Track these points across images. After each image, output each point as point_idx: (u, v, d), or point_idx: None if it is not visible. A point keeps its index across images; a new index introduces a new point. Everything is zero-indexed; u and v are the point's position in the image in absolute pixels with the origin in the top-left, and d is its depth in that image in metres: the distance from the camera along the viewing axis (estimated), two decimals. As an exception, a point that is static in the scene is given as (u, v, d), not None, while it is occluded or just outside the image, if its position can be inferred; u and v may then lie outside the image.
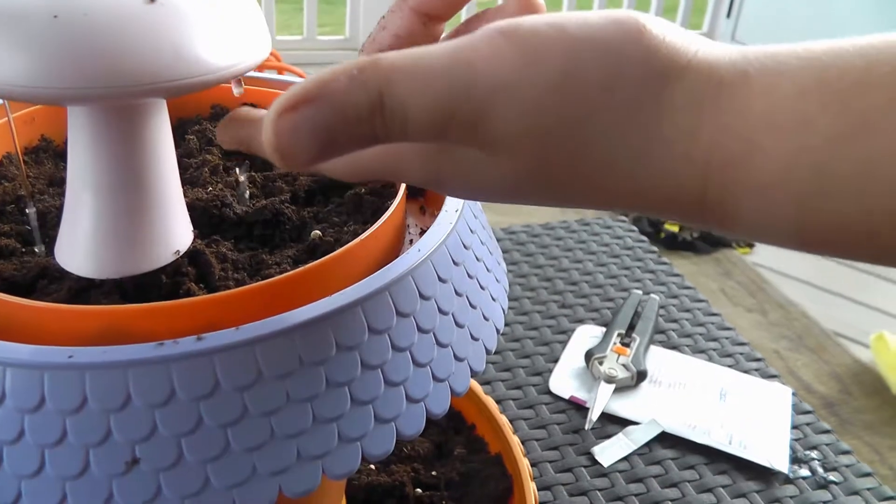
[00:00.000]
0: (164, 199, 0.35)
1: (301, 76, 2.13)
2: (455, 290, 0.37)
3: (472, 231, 0.40)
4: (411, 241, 0.42)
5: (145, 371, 0.29)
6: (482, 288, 0.39)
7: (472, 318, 0.38)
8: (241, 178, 0.44)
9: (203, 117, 0.53)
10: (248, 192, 0.44)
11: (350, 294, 0.32)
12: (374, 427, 0.32)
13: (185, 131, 0.50)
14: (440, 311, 0.36)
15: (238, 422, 0.30)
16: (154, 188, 0.35)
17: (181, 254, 0.36)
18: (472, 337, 0.37)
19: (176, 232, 0.36)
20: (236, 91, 0.41)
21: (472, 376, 0.37)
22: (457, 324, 0.37)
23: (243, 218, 0.41)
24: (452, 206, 0.39)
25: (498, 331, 0.40)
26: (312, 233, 0.39)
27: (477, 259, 0.40)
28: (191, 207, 0.40)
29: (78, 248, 0.35)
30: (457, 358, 0.36)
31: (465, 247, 0.39)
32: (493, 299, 0.41)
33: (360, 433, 0.32)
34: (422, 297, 0.35)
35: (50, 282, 0.36)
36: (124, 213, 0.34)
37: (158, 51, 0.29)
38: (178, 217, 0.36)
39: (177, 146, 0.48)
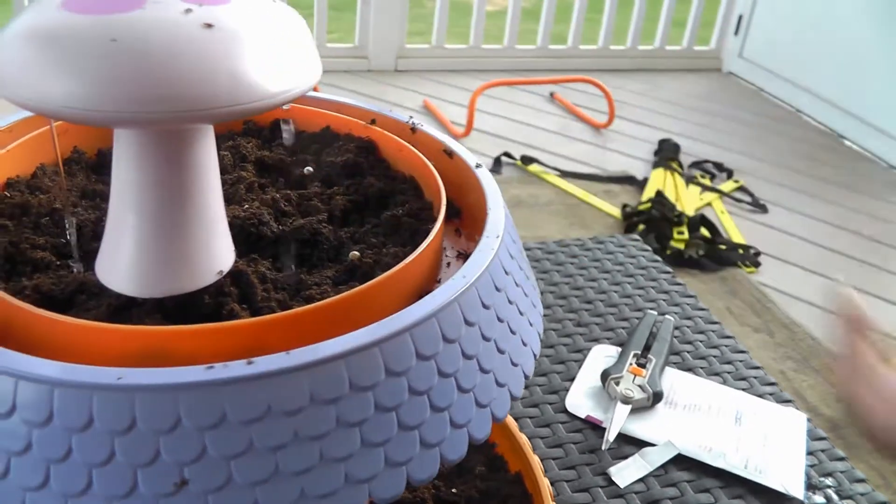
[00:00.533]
0: (207, 220, 0.36)
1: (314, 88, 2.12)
2: (497, 317, 0.37)
3: (511, 257, 0.40)
4: (448, 264, 0.42)
5: (195, 394, 0.29)
6: (521, 314, 0.40)
7: (512, 344, 0.38)
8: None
9: (236, 133, 0.54)
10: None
11: (399, 320, 0.33)
12: (420, 451, 0.33)
13: (219, 147, 0.50)
14: (483, 337, 0.36)
15: (287, 445, 0.30)
16: (198, 209, 0.35)
17: (224, 274, 0.36)
18: (513, 363, 0.38)
19: (219, 252, 0.36)
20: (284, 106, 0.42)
21: (511, 401, 0.37)
22: (498, 350, 0.37)
23: (280, 237, 0.41)
24: (494, 232, 0.40)
25: (535, 356, 0.40)
26: (351, 254, 0.39)
27: (516, 284, 0.40)
28: (229, 225, 0.40)
29: (119, 265, 0.35)
30: (498, 384, 0.37)
31: (505, 272, 0.39)
32: (531, 325, 0.41)
33: (405, 458, 0.32)
34: (466, 323, 0.35)
35: (88, 297, 0.36)
36: (168, 233, 0.34)
37: (212, 77, 0.29)
38: (221, 237, 0.37)
39: None
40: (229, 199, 0.45)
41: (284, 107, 0.40)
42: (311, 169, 0.47)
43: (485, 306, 0.36)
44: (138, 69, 0.28)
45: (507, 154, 2.48)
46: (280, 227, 0.42)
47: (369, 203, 0.45)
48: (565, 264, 0.98)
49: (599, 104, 2.93)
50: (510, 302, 0.39)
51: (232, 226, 0.41)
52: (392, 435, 0.32)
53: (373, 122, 0.50)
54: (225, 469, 0.30)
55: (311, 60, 0.35)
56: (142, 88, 0.28)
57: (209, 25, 0.30)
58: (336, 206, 0.45)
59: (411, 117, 0.50)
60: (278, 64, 0.32)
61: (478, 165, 0.46)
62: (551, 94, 3.10)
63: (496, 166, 2.43)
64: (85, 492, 0.29)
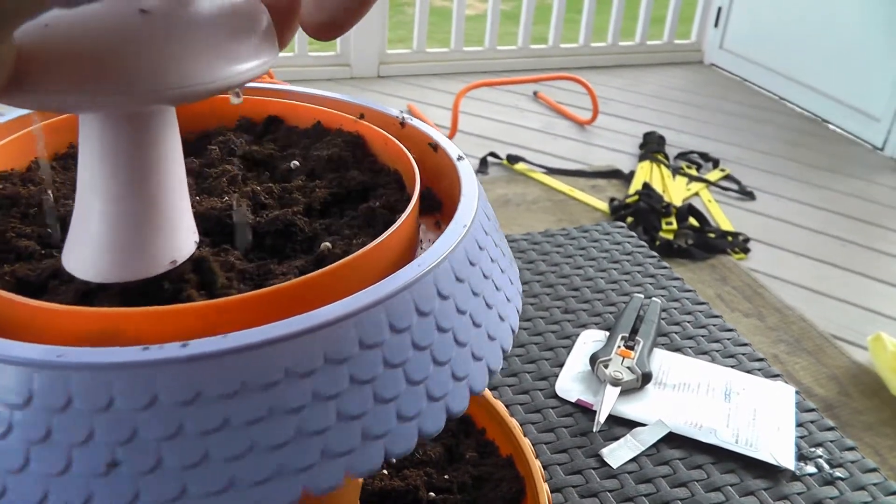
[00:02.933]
0: (166, 207, 0.36)
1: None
2: (472, 290, 0.37)
3: (486, 233, 0.40)
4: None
5: (128, 374, 0.29)
6: (497, 289, 0.40)
7: (488, 318, 0.38)
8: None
9: (228, 128, 0.53)
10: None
11: (347, 305, 0.32)
12: (397, 425, 0.33)
13: (209, 142, 0.50)
14: (458, 310, 0.36)
15: (219, 430, 0.30)
16: (156, 195, 0.35)
17: (178, 263, 0.36)
18: (490, 336, 0.38)
19: (176, 240, 0.36)
20: (234, 101, 0.42)
21: (489, 375, 0.37)
22: (474, 323, 0.37)
23: (255, 228, 0.42)
24: (467, 210, 0.40)
25: (513, 331, 0.40)
26: (322, 244, 0.39)
27: (491, 260, 0.40)
28: (204, 216, 0.40)
29: (81, 252, 0.35)
30: (475, 357, 0.37)
31: (479, 247, 0.39)
32: (508, 300, 0.41)
33: (383, 430, 0.32)
34: (440, 296, 0.35)
35: (61, 283, 0.36)
36: (126, 219, 0.35)
37: (160, 59, 0.30)
38: (179, 225, 0.37)
39: (199, 156, 0.49)
40: (210, 191, 0.45)
41: (234, 101, 0.41)
42: (297, 163, 0.47)
43: (458, 279, 0.37)
44: (80, 53, 0.29)
45: (492, 154, 2.48)
46: (256, 218, 0.42)
47: (350, 196, 0.46)
48: (551, 254, 0.98)
49: (583, 101, 2.94)
50: (485, 276, 0.39)
51: (208, 217, 0.41)
52: (332, 423, 0.32)
53: (361, 116, 0.50)
54: (155, 452, 0.29)
55: (266, 44, 0.35)
56: (69, 72, 0.29)
57: (144, 11, 0.30)
58: (316, 198, 0.45)
59: (402, 111, 0.50)
60: (229, 47, 0.32)
61: (459, 157, 0.46)
62: (535, 94, 3.11)
63: (482, 167, 2.43)
64: (23, 469, 0.29)
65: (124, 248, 0.34)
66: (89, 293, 0.35)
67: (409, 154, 0.46)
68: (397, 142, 0.47)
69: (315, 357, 0.31)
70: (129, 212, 0.35)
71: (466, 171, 0.45)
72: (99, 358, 0.29)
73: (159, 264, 0.35)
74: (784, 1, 3.27)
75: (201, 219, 0.41)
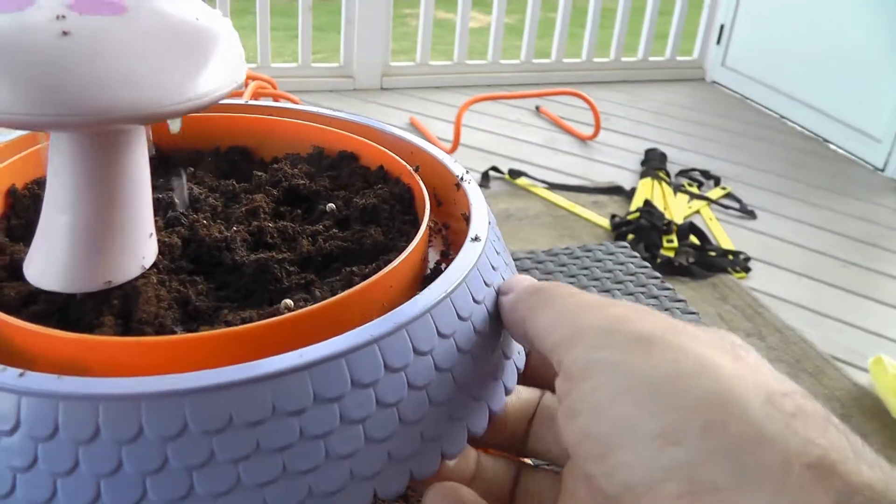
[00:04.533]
0: (110, 227, 0.36)
1: (296, 102, 2.13)
2: (474, 329, 0.37)
3: (494, 268, 0.40)
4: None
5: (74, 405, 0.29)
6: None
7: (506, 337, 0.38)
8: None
9: (300, 156, 0.52)
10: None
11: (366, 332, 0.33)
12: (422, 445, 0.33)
13: (262, 169, 0.50)
14: (476, 331, 0.36)
15: (204, 465, 0.29)
16: (100, 213, 0.35)
17: (112, 284, 0.36)
18: (505, 356, 0.38)
19: (117, 261, 0.36)
20: (173, 129, 0.42)
21: (506, 393, 0.37)
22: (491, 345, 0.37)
23: (239, 266, 0.41)
24: (479, 231, 0.40)
25: (519, 371, 0.40)
26: (283, 302, 0.38)
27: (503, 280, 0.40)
28: (197, 243, 0.40)
29: (32, 258, 0.36)
30: (494, 378, 0.37)
31: (493, 267, 0.39)
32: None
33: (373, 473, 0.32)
34: (460, 318, 0.35)
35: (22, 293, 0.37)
36: (68, 233, 0.35)
37: (79, 81, 0.30)
38: (124, 246, 0.36)
39: (248, 181, 0.48)
40: (227, 219, 0.44)
41: (173, 128, 0.41)
42: (333, 206, 0.45)
43: (475, 301, 0.36)
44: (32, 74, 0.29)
45: (494, 168, 2.49)
46: (241, 258, 0.41)
47: (364, 253, 0.42)
48: (554, 273, 0.98)
49: (585, 116, 2.94)
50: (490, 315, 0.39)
51: (201, 244, 0.41)
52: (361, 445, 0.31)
53: (417, 169, 0.47)
54: (52, 484, 0.29)
55: (232, 65, 0.35)
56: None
57: (66, 33, 0.30)
58: (322, 249, 0.42)
59: (464, 171, 0.47)
60: (195, 69, 0.33)
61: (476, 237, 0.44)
62: (537, 108, 3.12)
63: (484, 181, 2.44)
64: (10, 494, 0.29)
65: (60, 261, 0.35)
66: (30, 298, 0.35)
67: (443, 231, 0.45)
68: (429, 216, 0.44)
69: (306, 395, 0.30)
70: (71, 226, 0.35)
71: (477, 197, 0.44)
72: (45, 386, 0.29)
73: (93, 283, 0.35)
74: (786, 20, 3.28)
75: (193, 245, 0.41)
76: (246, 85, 1.57)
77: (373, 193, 0.45)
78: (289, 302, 0.37)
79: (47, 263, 0.36)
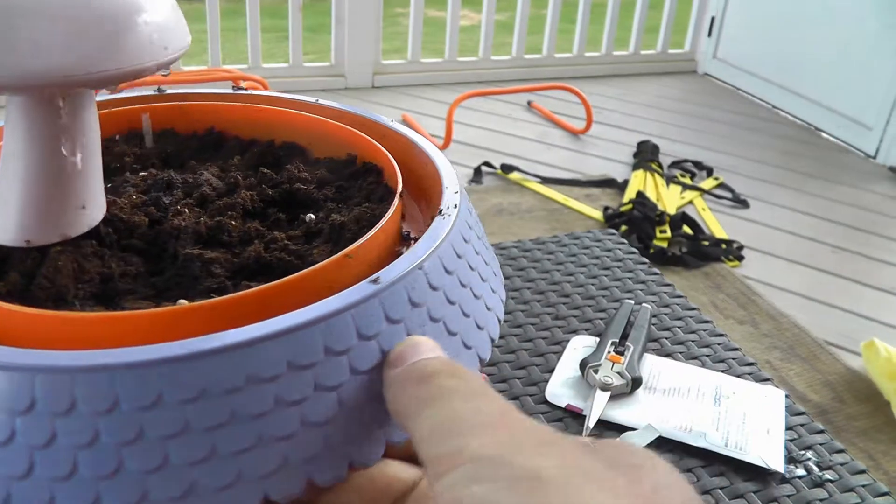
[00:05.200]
0: (33, 189, 0.37)
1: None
2: (447, 299, 0.37)
3: (466, 241, 0.40)
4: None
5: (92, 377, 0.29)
6: (476, 297, 0.40)
7: (476, 308, 0.38)
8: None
9: (337, 160, 0.52)
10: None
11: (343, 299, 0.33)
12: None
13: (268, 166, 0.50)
14: (448, 300, 0.36)
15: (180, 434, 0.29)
16: (20, 177, 0.37)
17: (31, 244, 0.37)
18: (478, 326, 0.38)
19: (32, 225, 0.37)
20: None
21: (480, 363, 0.38)
22: (463, 313, 0.37)
23: (174, 258, 0.41)
24: (450, 204, 0.40)
25: (493, 340, 0.40)
26: (178, 301, 0.38)
27: (476, 252, 0.40)
28: (158, 226, 0.41)
29: None
30: (465, 346, 0.37)
31: (465, 240, 0.39)
32: (489, 308, 0.41)
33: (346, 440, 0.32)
34: (431, 288, 0.35)
35: None
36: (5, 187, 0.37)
37: (70, 44, 0.32)
38: (48, 210, 0.37)
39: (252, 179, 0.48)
40: (210, 213, 0.44)
41: (164, 71, 0.41)
42: (312, 217, 0.43)
43: (447, 272, 0.37)
44: None
45: (487, 163, 2.49)
46: (177, 250, 0.41)
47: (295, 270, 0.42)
48: (542, 261, 0.99)
49: (577, 110, 2.95)
50: (463, 285, 0.39)
51: (161, 230, 0.41)
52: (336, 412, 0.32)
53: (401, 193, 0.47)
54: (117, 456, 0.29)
55: (179, 30, 0.36)
56: None
57: None
58: (262, 259, 0.40)
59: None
60: (140, 33, 0.34)
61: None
62: (529, 103, 3.12)
63: (476, 176, 2.44)
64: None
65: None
66: None
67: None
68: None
69: (280, 363, 0.30)
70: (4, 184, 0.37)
71: (446, 169, 0.45)
72: (64, 361, 0.29)
73: (12, 239, 0.37)
74: (776, 11, 3.29)
75: (157, 228, 0.41)
76: (237, 85, 1.57)
77: (358, 211, 0.43)
78: (184, 301, 0.36)
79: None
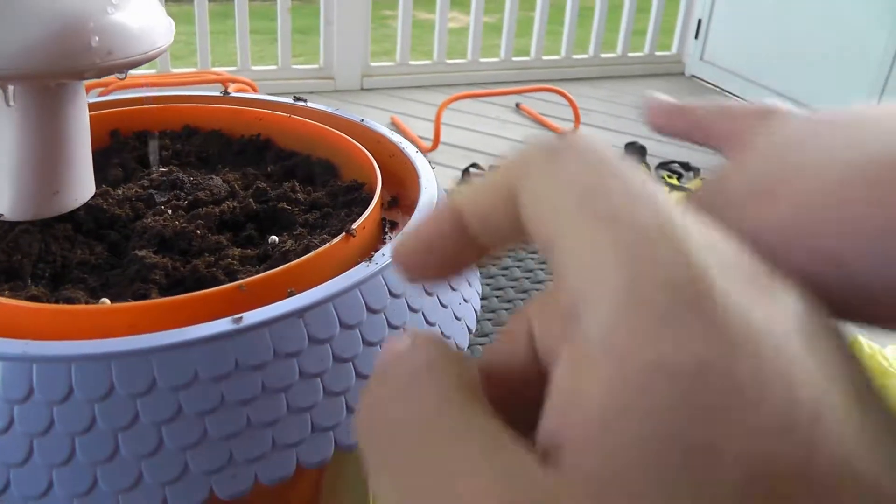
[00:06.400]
0: (13, 167, 0.39)
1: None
2: (425, 290, 0.38)
3: None
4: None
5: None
6: (452, 289, 0.41)
7: (442, 317, 0.39)
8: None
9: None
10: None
11: (317, 293, 0.33)
12: (346, 417, 0.33)
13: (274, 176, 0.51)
14: (410, 308, 0.37)
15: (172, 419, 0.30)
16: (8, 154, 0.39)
17: (3, 218, 0.40)
18: (444, 334, 0.39)
19: (13, 199, 0.39)
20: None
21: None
22: (427, 322, 0.38)
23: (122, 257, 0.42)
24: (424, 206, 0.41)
25: (470, 330, 0.41)
26: (101, 299, 0.39)
27: None
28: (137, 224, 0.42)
29: None
30: None
31: None
32: (465, 300, 0.42)
33: (332, 422, 0.33)
34: (391, 295, 0.36)
35: None
36: None
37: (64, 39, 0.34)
38: (15, 189, 0.39)
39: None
40: (188, 213, 0.45)
41: (120, 75, 0.43)
42: (275, 239, 0.44)
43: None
44: None
45: (475, 165, 2.49)
46: (130, 251, 0.41)
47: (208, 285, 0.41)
48: (525, 260, 0.99)
49: (565, 112, 2.95)
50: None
51: (134, 228, 0.42)
52: (282, 415, 0.32)
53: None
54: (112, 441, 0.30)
55: (162, 27, 0.37)
56: None
57: None
58: (197, 272, 0.41)
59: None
60: (124, 30, 0.35)
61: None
62: (517, 105, 3.12)
63: (465, 178, 2.44)
64: None
65: None
66: None
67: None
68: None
69: (266, 350, 0.31)
70: None
71: (426, 171, 0.46)
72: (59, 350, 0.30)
73: None
74: (763, 14, 3.30)
75: (138, 225, 0.42)
76: (226, 87, 1.59)
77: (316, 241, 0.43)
78: (106, 300, 0.37)
79: None
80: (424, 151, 2.59)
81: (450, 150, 2.66)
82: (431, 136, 2.64)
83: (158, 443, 0.30)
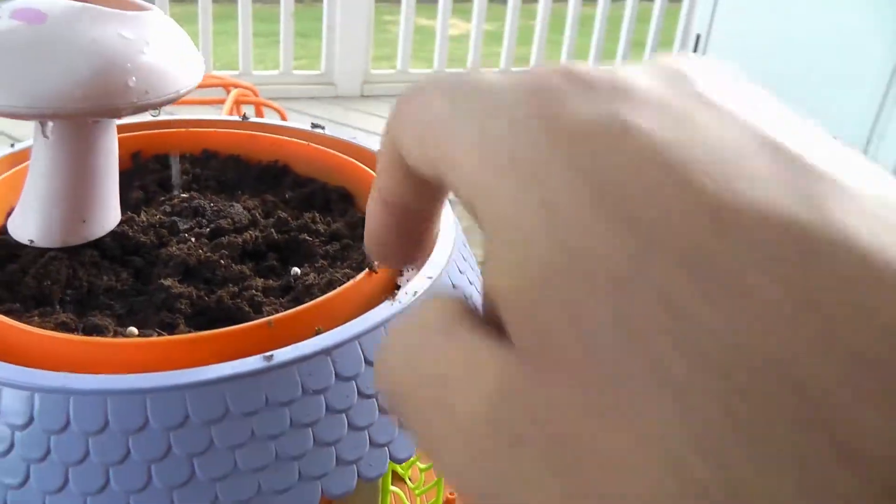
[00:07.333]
0: (40, 196, 0.42)
1: (279, 111, 2.11)
2: None
3: (454, 287, 0.42)
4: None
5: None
6: None
7: None
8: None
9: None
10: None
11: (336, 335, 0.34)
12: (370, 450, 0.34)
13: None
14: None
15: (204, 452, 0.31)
16: (31, 184, 0.42)
17: (34, 243, 0.42)
18: None
19: (35, 227, 0.41)
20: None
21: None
22: None
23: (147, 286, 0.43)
24: (436, 263, 0.41)
25: None
26: (129, 329, 0.39)
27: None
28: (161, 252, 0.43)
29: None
30: None
31: (453, 287, 0.41)
32: None
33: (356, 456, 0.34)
34: None
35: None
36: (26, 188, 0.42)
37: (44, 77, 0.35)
38: (51, 215, 0.42)
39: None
40: (212, 246, 0.45)
41: (154, 112, 0.44)
42: (297, 271, 0.45)
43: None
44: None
45: (473, 175, 2.50)
46: (157, 281, 0.42)
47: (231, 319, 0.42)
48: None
49: (564, 123, 2.96)
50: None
51: (159, 256, 0.43)
52: (309, 448, 0.33)
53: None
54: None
55: (194, 67, 0.39)
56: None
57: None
58: (222, 302, 0.42)
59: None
60: (158, 70, 0.37)
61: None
62: (516, 115, 3.13)
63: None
64: (23, 484, 0.31)
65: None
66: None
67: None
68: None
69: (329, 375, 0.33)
70: (24, 187, 0.42)
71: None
72: (97, 385, 0.31)
73: (20, 235, 0.42)
74: (762, 34, 3.32)
75: (164, 252, 0.43)
76: (227, 92, 1.59)
77: (339, 275, 0.44)
78: (133, 330, 0.38)
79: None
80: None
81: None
82: (431, 144, 2.64)
83: (190, 474, 0.31)
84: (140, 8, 0.39)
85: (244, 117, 0.57)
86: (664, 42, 3.74)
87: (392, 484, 0.47)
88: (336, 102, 3.15)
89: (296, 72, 3.19)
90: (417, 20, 3.39)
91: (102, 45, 0.36)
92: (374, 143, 0.54)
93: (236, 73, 3.01)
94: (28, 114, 0.35)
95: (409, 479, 0.56)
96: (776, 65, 3.23)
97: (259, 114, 2.40)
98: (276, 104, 2.35)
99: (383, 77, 3.30)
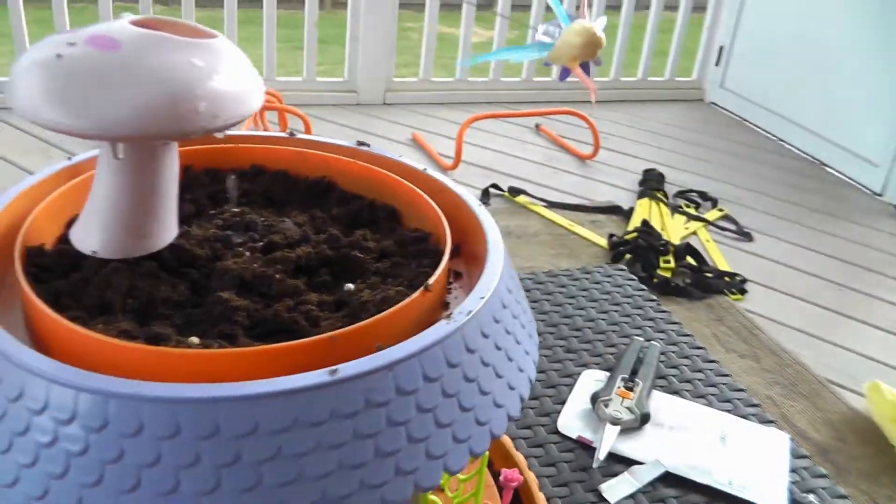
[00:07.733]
0: (94, 210, 0.43)
1: (303, 118, 2.16)
2: (496, 345, 0.40)
3: (504, 306, 0.43)
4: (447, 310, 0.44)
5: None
6: (518, 343, 0.43)
7: (509, 370, 0.41)
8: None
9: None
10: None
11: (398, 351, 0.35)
12: (426, 462, 0.35)
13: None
14: (482, 362, 0.39)
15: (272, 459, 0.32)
16: (105, 198, 0.43)
17: (97, 254, 0.43)
18: (510, 386, 0.41)
19: (98, 238, 0.43)
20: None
21: (508, 420, 0.40)
22: (497, 374, 0.40)
23: (203, 298, 0.44)
24: (487, 283, 0.42)
25: (522, 399, 0.43)
26: (190, 339, 0.40)
27: (514, 317, 0.43)
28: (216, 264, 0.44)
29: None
30: (496, 404, 0.39)
31: (504, 306, 0.42)
32: (527, 353, 0.44)
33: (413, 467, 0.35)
34: (468, 350, 0.38)
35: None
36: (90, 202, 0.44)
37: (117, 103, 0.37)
38: (104, 228, 0.43)
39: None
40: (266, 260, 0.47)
41: (220, 134, 0.45)
42: (351, 287, 0.46)
43: (484, 335, 0.39)
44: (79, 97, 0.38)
45: (494, 185, 2.51)
46: (214, 294, 0.43)
47: (287, 333, 0.43)
48: (555, 294, 1.01)
49: (584, 135, 2.98)
50: (507, 332, 0.42)
51: (214, 268, 0.45)
52: (370, 458, 0.34)
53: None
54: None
55: (255, 93, 0.41)
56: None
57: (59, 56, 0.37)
58: (279, 316, 0.43)
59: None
60: (223, 96, 0.38)
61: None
62: (537, 126, 3.15)
63: (484, 197, 2.46)
64: (98, 483, 0.32)
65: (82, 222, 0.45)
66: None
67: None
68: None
69: (357, 400, 0.33)
70: (88, 200, 0.44)
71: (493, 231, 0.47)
72: (168, 392, 0.32)
73: (83, 245, 0.44)
74: (785, 44, 3.32)
75: (219, 265, 0.44)
76: (289, 128, 1.62)
77: (392, 292, 0.44)
78: (195, 339, 0.40)
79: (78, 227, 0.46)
80: (445, 169, 2.62)
81: (469, 168, 2.68)
82: (451, 153, 2.66)
83: (258, 480, 0.32)
84: (208, 35, 0.40)
85: (291, 133, 0.59)
86: (687, 52, 3.74)
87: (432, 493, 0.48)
88: (358, 110, 3.17)
89: (319, 79, 3.21)
90: (439, 28, 3.41)
91: (174, 72, 0.37)
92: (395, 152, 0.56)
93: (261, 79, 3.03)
94: (104, 137, 0.36)
95: (448, 489, 0.56)
96: (800, 77, 3.23)
97: (282, 120, 2.43)
98: (299, 111, 2.37)
99: (405, 85, 3.32)
